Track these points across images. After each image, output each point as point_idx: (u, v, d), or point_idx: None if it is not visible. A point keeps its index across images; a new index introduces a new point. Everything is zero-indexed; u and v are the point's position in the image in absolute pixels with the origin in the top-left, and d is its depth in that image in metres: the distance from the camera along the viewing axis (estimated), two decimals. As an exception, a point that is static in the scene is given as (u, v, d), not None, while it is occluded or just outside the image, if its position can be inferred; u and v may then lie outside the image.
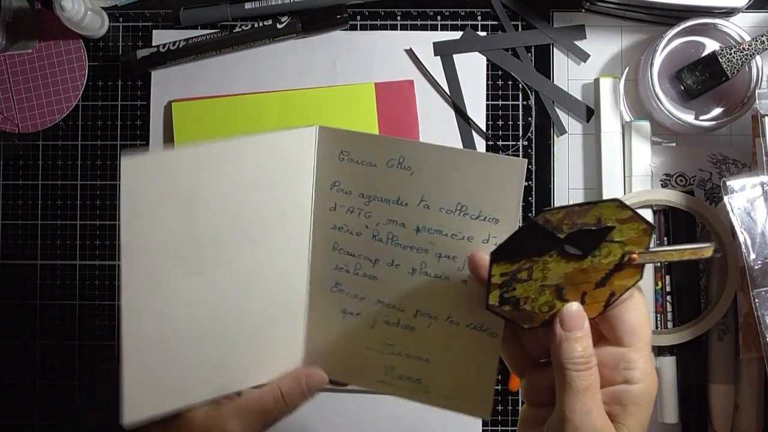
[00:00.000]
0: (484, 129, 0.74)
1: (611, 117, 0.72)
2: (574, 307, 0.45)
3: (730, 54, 0.67)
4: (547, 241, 0.44)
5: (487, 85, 0.74)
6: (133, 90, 0.75)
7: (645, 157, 0.71)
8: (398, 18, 0.75)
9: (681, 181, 0.72)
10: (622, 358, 0.44)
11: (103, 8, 0.74)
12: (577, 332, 0.44)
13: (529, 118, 0.74)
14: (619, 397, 0.44)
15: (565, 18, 0.74)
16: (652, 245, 0.45)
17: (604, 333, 0.46)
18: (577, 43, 0.74)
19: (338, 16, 0.73)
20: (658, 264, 0.53)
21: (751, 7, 0.70)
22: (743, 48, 0.67)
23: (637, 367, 0.44)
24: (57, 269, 0.74)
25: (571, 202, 0.46)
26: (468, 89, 0.74)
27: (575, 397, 0.43)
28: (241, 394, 0.51)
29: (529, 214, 0.73)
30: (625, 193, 0.71)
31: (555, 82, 0.74)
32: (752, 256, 0.62)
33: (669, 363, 0.70)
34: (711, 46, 0.70)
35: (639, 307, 0.45)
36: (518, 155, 0.73)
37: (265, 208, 0.51)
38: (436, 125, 0.73)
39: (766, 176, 0.63)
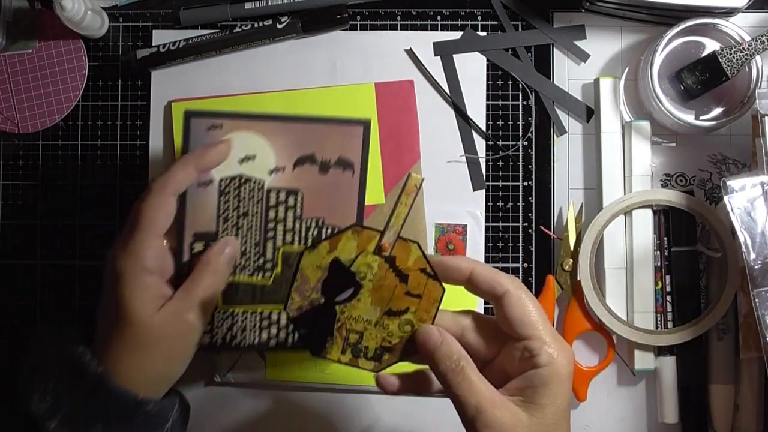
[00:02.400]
0: (484, 129, 0.74)
1: (611, 117, 0.72)
2: (423, 329, 0.49)
3: (730, 54, 0.67)
4: (346, 281, 0.50)
5: (487, 85, 0.74)
6: (133, 90, 0.75)
7: (645, 157, 0.71)
8: (398, 18, 0.75)
9: (681, 181, 0.73)
10: (524, 349, 0.48)
11: (103, 8, 0.74)
12: (433, 346, 0.48)
13: (529, 118, 0.74)
14: (529, 380, 0.47)
15: (565, 18, 0.74)
16: (388, 236, 0.50)
17: (506, 331, 0.50)
18: (577, 43, 0.74)
19: (338, 16, 0.73)
20: (411, 240, 0.52)
21: (751, 7, 0.70)
22: (743, 48, 0.67)
23: (540, 354, 0.47)
24: (57, 269, 0.74)
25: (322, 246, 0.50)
26: (468, 89, 0.74)
27: (460, 398, 0.47)
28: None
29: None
30: (625, 193, 0.71)
31: (555, 82, 0.74)
32: (752, 256, 0.62)
33: (669, 363, 0.70)
34: (711, 46, 0.70)
35: (520, 301, 0.49)
36: (518, 155, 0.73)
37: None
38: (436, 125, 0.73)
39: (766, 176, 0.63)
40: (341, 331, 0.50)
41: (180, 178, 0.57)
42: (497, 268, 0.72)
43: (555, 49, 0.74)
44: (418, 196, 0.71)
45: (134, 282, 0.53)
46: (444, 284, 0.50)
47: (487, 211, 0.73)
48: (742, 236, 0.62)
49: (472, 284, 0.50)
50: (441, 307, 0.51)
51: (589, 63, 0.74)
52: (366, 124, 0.67)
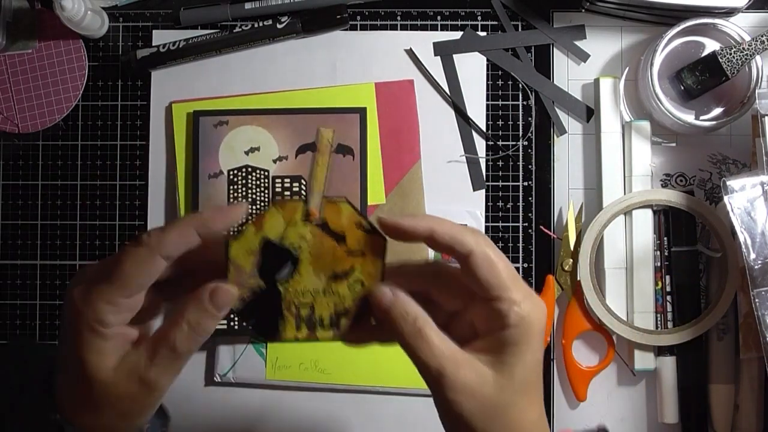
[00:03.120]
0: (484, 129, 0.74)
1: (611, 117, 0.72)
2: (374, 291, 0.46)
3: (730, 54, 0.67)
4: (281, 258, 0.48)
5: (487, 85, 0.74)
6: (133, 90, 0.74)
7: (645, 157, 0.71)
8: (398, 18, 0.75)
9: (681, 181, 0.72)
10: (492, 309, 0.44)
11: (103, 8, 0.74)
12: (387, 306, 0.45)
13: (529, 118, 0.74)
14: (497, 340, 0.44)
15: (565, 18, 0.74)
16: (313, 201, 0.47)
17: (474, 290, 0.46)
18: (577, 43, 0.74)
19: (338, 16, 0.73)
20: (337, 197, 0.50)
21: (751, 7, 0.70)
22: (743, 48, 0.67)
23: (509, 315, 0.44)
24: (57, 269, 0.74)
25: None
26: (468, 89, 0.74)
27: (422, 359, 0.44)
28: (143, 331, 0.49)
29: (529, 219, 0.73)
30: (625, 193, 0.71)
31: (555, 82, 0.74)
32: (752, 256, 0.62)
33: (669, 363, 0.70)
34: (711, 46, 0.70)
35: (486, 261, 0.44)
36: (518, 155, 0.73)
37: None
38: (436, 125, 0.73)
39: (766, 176, 0.63)
40: (291, 309, 0.48)
41: (175, 241, 0.46)
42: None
43: (555, 49, 0.74)
44: (418, 191, 0.71)
45: (88, 334, 0.45)
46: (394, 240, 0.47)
47: (487, 211, 0.73)
48: (742, 236, 0.62)
49: (432, 244, 0.46)
50: (405, 259, 0.49)
51: (589, 63, 0.74)
52: (362, 112, 0.72)
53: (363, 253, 0.48)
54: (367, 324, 0.48)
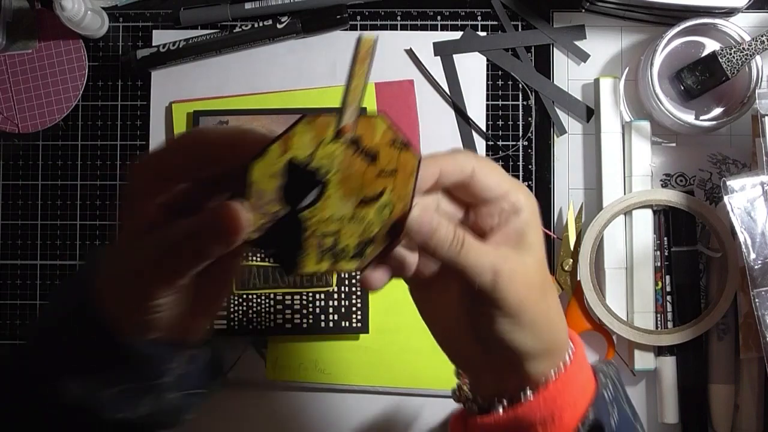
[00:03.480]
0: (484, 129, 0.74)
1: (611, 117, 0.72)
2: (413, 220, 0.45)
3: (730, 54, 0.67)
4: (307, 183, 0.43)
5: (487, 85, 0.74)
6: (133, 90, 0.74)
7: (645, 157, 0.71)
8: (398, 18, 0.75)
9: (681, 181, 0.72)
10: (500, 205, 0.47)
11: (103, 8, 0.74)
12: (429, 231, 0.45)
13: (529, 118, 0.74)
14: (513, 228, 0.46)
15: (565, 18, 0.74)
16: (347, 115, 0.43)
17: (474, 201, 0.48)
18: (577, 43, 0.74)
19: (338, 16, 0.73)
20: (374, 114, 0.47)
21: (751, 7, 0.70)
22: (743, 48, 0.67)
23: (517, 203, 0.47)
24: (57, 269, 0.74)
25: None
26: (468, 89, 0.74)
27: (475, 268, 0.45)
28: None
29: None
30: (625, 193, 0.71)
31: (555, 82, 0.74)
32: (752, 256, 0.62)
33: (669, 363, 0.70)
34: (711, 46, 0.70)
35: (486, 172, 0.47)
36: (518, 155, 0.73)
37: None
38: (436, 125, 0.73)
39: (766, 176, 0.63)
40: (313, 239, 0.44)
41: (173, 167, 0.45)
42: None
43: (555, 49, 0.74)
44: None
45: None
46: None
47: (487, 211, 0.73)
48: (742, 236, 0.62)
49: (441, 182, 0.47)
50: None
51: (589, 63, 0.74)
52: (362, 112, 0.68)
53: (395, 173, 0.44)
54: (389, 252, 0.46)
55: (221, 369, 0.52)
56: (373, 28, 0.74)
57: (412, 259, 0.48)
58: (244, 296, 0.70)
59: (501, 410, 0.47)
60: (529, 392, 0.47)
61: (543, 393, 0.46)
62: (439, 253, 0.45)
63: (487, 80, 0.74)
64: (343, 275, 0.70)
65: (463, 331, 0.49)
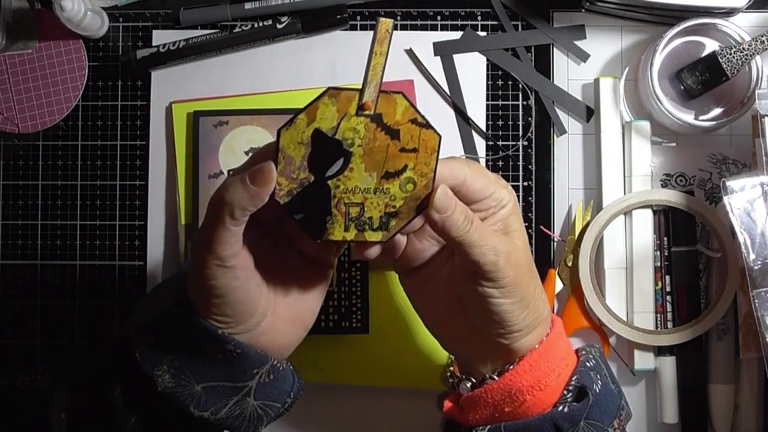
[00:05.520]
0: (484, 129, 0.74)
1: (611, 117, 0.72)
2: (440, 192, 0.48)
3: (730, 54, 0.67)
4: (333, 152, 0.46)
5: (487, 85, 0.74)
6: (133, 90, 0.75)
7: (645, 157, 0.71)
8: (398, 18, 0.75)
9: (681, 181, 0.73)
10: (491, 201, 0.52)
11: (103, 8, 0.74)
12: (450, 208, 0.49)
13: (529, 118, 0.74)
14: (500, 217, 0.52)
15: (565, 18, 0.74)
16: (369, 93, 0.46)
17: (465, 201, 0.51)
18: (577, 43, 0.74)
19: (338, 16, 0.73)
20: (394, 91, 0.48)
21: (751, 7, 0.70)
22: (743, 48, 0.67)
23: (502, 198, 0.52)
24: (57, 269, 0.74)
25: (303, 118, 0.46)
26: (468, 89, 0.74)
27: (480, 248, 0.49)
28: None
29: (530, 217, 0.73)
30: (625, 193, 0.71)
31: (555, 82, 0.74)
32: (752, 256, 0.62)
33: (669, 363, 0.70)
34: (711, 46, 0.70)
35: (476, 177, 0.51)
36: (518, 155, 0.73)
37: None
38: (436, 125, 0.73)
39: (766, 176, 0.63)
40: (339, 207, 0.46)
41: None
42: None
43: (555, 49, 0.74)
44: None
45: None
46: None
47: (487, 211, 0.73)
48: (742, 237, 0.62)
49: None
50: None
51: (589, 63, 0.74)
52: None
53: (416, 149, 0.46)
54: (413, 225, 0.51)
55: (298, 387, 0.56)
56: (373, 28, 0.74)
57: (401, 240, 0.53)
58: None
59: (491, 381, 0.52)
60: (516, 361, 0.52)
61: (528, 360, 0.52)
62: (453, 231, 0.49)
63: (487, 80, 0.74)
64: (343, 275, 0.70)
65: (452, 315, 0.54)
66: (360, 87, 0.45)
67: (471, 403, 0.53)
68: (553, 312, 0.72)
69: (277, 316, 0.53)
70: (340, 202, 0.46)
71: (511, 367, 0.52)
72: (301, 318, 0.55)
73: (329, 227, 0.47)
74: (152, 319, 0.53)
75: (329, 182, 0.46)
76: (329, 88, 0.45)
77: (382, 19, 0.47)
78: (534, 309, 0.52)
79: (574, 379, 0.53)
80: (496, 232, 0.52)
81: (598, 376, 0.54)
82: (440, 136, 0.47)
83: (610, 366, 0.57)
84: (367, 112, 0.45)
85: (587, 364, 0.54)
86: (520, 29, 0.74)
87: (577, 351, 0.56)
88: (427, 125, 0.46)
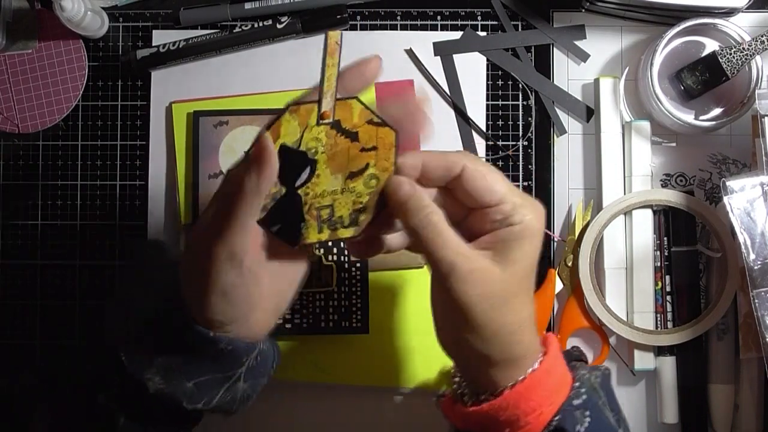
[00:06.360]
0: (484, 129, 0.74)
1: (611, 117, 0.72)
2: (392, 180, 0.48)
3: (730, 54, 0.67)
4: (300, 163, 0.49)
5: (487, 85, 0.74)
6: (133, 90, 0.75)
7: (645, 157, 0.71)
8: (398, 18, 0.75)
9: (681, 181, 0.73)
10: (497, 212, 0.48)
11: (103, 8, 0.74)
12: (405, 194, 0.47)
13: (529, 118, 0.74)
14: (502, 236, 0.47)
15: (565, 18, 0.74)
16: (325, 101, 0.49)
17: (470, 205, 0.49)
18: (577, 43, 0.74)
19: (338, 16, 0.73)
20: (349, 96, 0.51)
21: (751, 7, 0.70)
22: (743, 48, 0.67)
23: (513, 215, 0.47)
24: (57, 269, 0.74)
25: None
26: (468, 89, 0.74)
27: (434, 253, 0.46)
28: None
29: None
30: (625, 193, 0.71)
31: (555, 82, 0.74)
32: (752, 256, 0.62)
33: (669, 363, 0.70)
34: (711, 46, 0.70)
35: (480, 174, 0.48)
36: (518, 155, 0.73)
37: None
38: (436, 125, 0.72)
39: (766, 176, 0.63)
40: (311, 212, 0.49)
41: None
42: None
43: (555, 49, 0.74)
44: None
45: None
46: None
47: (487, 211, 0.73)
48: (742, 237, 0.62)
49: (426, 177, 0.49)
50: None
51: (589, 63, 0.74)
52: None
53: (375, 147, 0.49)
54: (383, 220, 0.50)
55: (278, 357, 0.57)
56: (373, 28, 0.74)
57: (388, 235, 0.52)
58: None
59: (474, 404, 0.49)
60: (490, 394, 0.48)
61: (506, 396, 0.47)
62: (409, 219, 0.47)
63: (487, 80, 0.74)
64: (343, 275, 0.70)
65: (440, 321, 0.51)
66: (317, 99, 0.49)
67: (460, 416, 0.51)
68: (553, 312, 0.72)
69: (262, 307, 0.53)
70: (312, 208, 0.49)
71: (486, 400, 0.48)
72: (280, 306, 0.54)
73: (304, 232, 0.49)
74: (139, 325, 0.53)
75: (299, 191, 0.49)
76: (289, 105, 0.49)
77: (331, 33, 0.50)
78: (502, 343, 0.47)
79: (555, 419, 0.48)
80: (483, 248, 0.47)
81: (587, 413, 0.48)
82: (397, 132, 0.49)
83: (613, 391, 0.52)
84: (326, 121, 0.49)
85: (574, 402, 0.49)
86: (520, 29, 0.74)
87: (572, 377, 0.50)
88: (383, 123, 0.49)
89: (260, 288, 0.51)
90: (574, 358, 0.55)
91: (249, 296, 0.50)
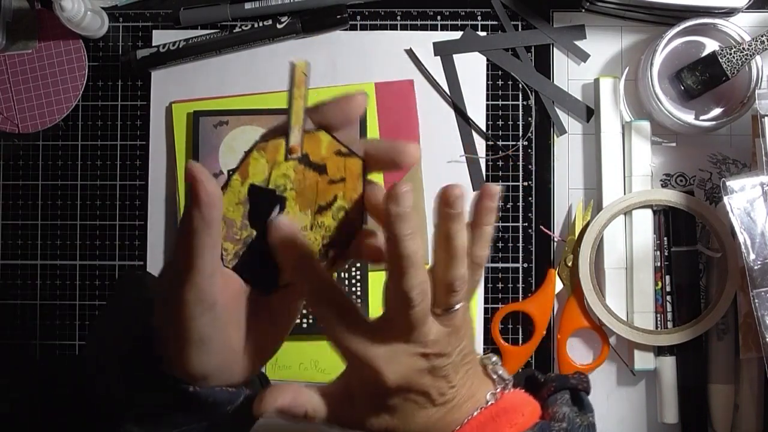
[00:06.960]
0: (484, 129, 0.74)
1: (611, 117, 0.72)
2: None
3: (730, 54, 0.67)
4: (269, 201, 0.47)
5: (487, 85, 0.74)
6: (133, 90, 0.74)
7: (645, 157, 0.71)
8: (398, 18, 0.75)
9: (681, 181, 0.72)
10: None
11: (103, 8, 0.74)
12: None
13: (529, 118, 0.74)
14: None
15: (565, 18, 0.74)
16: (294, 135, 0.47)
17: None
18: (577, 43, 0.74)
19: (338, 16, 0.73)
20: (315, 129, 0.49)
21: (751, 7, 0.70)
22: (743, 48, 0.67)
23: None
24: (57, 269, 0.74)
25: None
26: (468, 89, 0.74)
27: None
28: None
29: (526, 219, 0.73)
30: (625, 193, 0.71)
31: (555, 82, 0.74)
32: (752, 256, 0.62)
33: (669, 363, 0.70)
34: (711, 46, 0.70)
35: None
36: (518, 155, 0.73)
37: None
38: (436, 125, 0.73)
39: (766, 176, 0.63)
40: None
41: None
42: (497, 267, 0.73)
43: (555, 49, 0.74)
44: (418, 191, 0.71)
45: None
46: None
47: (487, 211, 0.73)
48: (742, 237, 0.62)
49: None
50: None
51: (589, 63, 0.74)
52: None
53: (344, 178, 0.47)
54: (353, 251, 0.48)
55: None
56: (373, 28, 0.74)
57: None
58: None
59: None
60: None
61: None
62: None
63: (487, 80, 0.74)
64: (343, 275, 0.70)
65: None
66: (283, 134, 0.47)
67: None
68: (553, 312, 0.72)
69: (247, 352, 0.49)
70: None
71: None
72: (267, 349, 0.51)
73: (279, 277, 0.47)
74: (115, 370, 0.49)
75: None
76: (257, 143, 0.47)
77: (297, 63, 0.49)
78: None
79: None
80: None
81: None
82: (363, 161, 0.48)
83: (594, 424, 0.49)
84: (294, 156, 0.47)
85: None
86: (520, 29, 0.74)
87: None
88: (350, 153, 0.47)
89: (241, 332, 0.47)
90: (569, 386, 0.50)
91: (228, 342, 0.46)
